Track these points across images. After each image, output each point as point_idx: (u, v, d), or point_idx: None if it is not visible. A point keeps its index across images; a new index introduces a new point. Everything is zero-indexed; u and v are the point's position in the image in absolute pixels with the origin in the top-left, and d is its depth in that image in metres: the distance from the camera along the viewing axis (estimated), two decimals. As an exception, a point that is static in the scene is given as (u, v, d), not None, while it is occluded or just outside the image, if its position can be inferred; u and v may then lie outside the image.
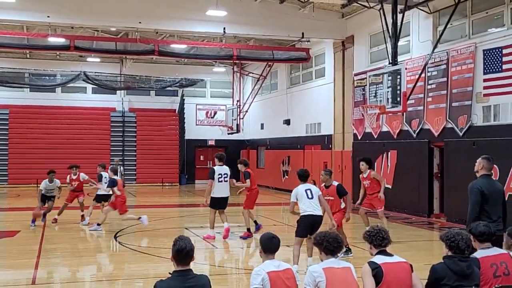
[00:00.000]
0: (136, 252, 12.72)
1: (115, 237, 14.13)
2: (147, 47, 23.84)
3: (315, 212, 10.07)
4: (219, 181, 13.63)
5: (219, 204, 13.89)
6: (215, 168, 13.79)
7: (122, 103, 34.06)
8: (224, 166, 13.92)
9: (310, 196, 10.13)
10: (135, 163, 32.89)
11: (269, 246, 5.50)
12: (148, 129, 33.53)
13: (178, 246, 4.92)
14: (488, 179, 7.78)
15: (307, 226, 10.04)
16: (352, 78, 22.48)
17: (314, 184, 17.20)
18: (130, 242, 13.72)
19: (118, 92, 33.66)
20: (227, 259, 12.58)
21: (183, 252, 4.89)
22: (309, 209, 10.02)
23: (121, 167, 20.99)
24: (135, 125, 33.81)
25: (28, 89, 32.43)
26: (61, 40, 22.97)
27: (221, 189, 13.70)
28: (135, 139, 33.55)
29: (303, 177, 10.42)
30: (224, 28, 22.08)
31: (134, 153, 32.74)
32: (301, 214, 10.15)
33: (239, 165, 14.74)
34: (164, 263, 10.75)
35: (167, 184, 32.93)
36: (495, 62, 15.45)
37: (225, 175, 13.72)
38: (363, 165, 13.40)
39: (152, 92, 34.60)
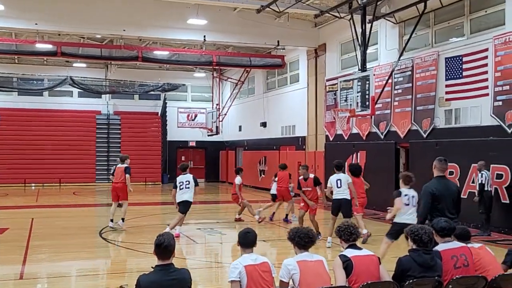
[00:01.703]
0: (121, 247, 12.65)
1: (100, 234, 14.01)
2: (131, 54, 23.68)
3: (341, 196, 12.17)
4: (180, 188, 13.78)
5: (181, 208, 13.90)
6: (178, 178, 14.05)
7: (107, 107, 33.79)
8: (187, 174, 13.97)
9: (339, 186, 12.19)
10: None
11: (245, 240, 5.50)
12: (132, 131, 33.31)
13: (157, 240, 4.93)
14: (441, 180, 7.68)
15: (335, 207, 12.24)
16: (324, 83, 22.59)
17: (290, 177, 17.30)
18: (115, 238, 13.63)
19: (103, 96, 33.35)
20: (207, 254, 12.56)
21: (161, 247, 4.88)
22: (337, 195, 12.17)
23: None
24: (119, 127, 33.56)
25: (17, 93, 32.01)
26: (48, 46, 22.71)
27: (181, 195, 13.79)
28: (119, 140, 33.30)
29: (337, 167, 12.50)
30: (204, 36, 22.04)
31: (119, 154, 32.42)
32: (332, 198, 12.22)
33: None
34: (147, 258, 10.68)
35: (150, 183, 32.74)
36: (456, 69, 15.65)
37: (187, 182, 13.77)
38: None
39: (136, 96, 34.40)
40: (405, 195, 8.94)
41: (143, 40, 23.97)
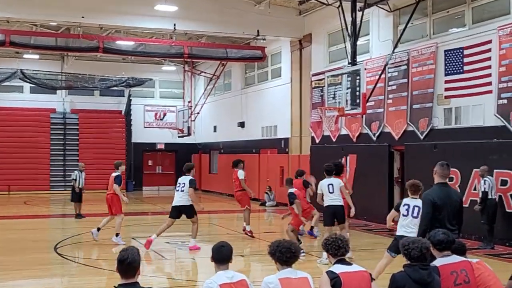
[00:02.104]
0: (79, 264, 12.57)
1: (55, 249, 13.91)
2: (91, 44, 23.55)
3: (335, 203, 12.38)
4: (176, 190, 14.24)
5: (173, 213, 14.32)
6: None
7: (63, 104, 33.54)
8: (186, 176, 14.17)
9: (331, 191, 12.40)
10: (77, 168, 32.32)
11: (219, 255, 5.49)
12: (91, 131, 33.09)
13: (119, 256, 4.89)
14: (442, 188, 7.75)
15: (329, 215, 12.41)
16: (310, 78, 22.69)
17: (270, 190, 17.51)
18: (72, 253, 13.54)
19: (58, 92, 33.11)
20: (177, 271, 12.54)
21: (124, 264, 4.85)
22: (330, 201, 12.37)
23: (83, 173, 20.70)
24: (77, 127, 33.34)
25: (-41, 88, 31.70)
26: (-5, 35, 22.50)
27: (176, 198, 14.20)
28: (77, 142, 33.08)
29: (328, 171, 12.67)
30: (175, 24, 22.00)
31: (77, 158, 32.20)
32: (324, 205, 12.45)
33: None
34: (109, 275, 10.65)
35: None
36: (456, 63, 15.83)
37: (183, 185, 14.00)
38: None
39: (96, 92, 34.20)
40: (404, 205, 9.15)
41: (104, 28, 23.85)
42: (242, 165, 16.42)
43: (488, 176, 13.84)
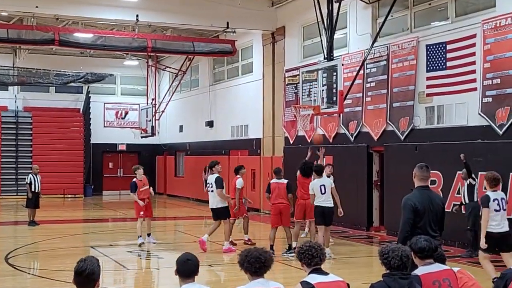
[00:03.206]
0: (32, 276, 12.44)
1: (6, 259, 13.75)
2: (46, 36, 23.31)
3: (327, 204, 13.45)
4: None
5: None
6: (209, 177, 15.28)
7: (16, 101, 33.15)
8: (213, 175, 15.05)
9: (323, 192, 13.41)
10: (30, 171, 32.02)
11: (184, 268, 5.38)
12: (47, 131, 32.75)
13: (77, 267, 4.82)
14: (423, 192, 7.79)
15: (320, 215, 13.44)
16: (283, 74, 22.72)
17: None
18: (25, 264, 13.39)
19: (10, 88, 32.73)
20: (140, 283, 12.47)
21: (82, 275, 4.79)
22: (322, 202, 13.41)
23: (38, 176, 20.42)
24: (31, 126, 32.97)
25: None
26: None
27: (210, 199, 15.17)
28: (31, 143, 32.70)
29: (318, 172, 13.68)
30: (137, 16, 21.87)
31: (30, 160, 31.82)
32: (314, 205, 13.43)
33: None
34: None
35: (69, 195, 32.23)
36: (439, 59, 15.98)
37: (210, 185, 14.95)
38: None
39: (52, 89, 33.86)
40: (494, 199, 10.35)
41: (60, 19, 23.64)
42: (244, 171, 16.15)
43: (469, 179, 13.94)
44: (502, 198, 10.34)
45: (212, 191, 14.77)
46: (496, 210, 10.21)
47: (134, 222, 17.31)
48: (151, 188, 16.71)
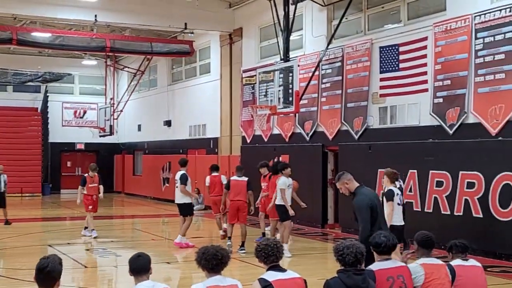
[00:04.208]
0: (-10, 274, 12.19)
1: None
2: (3, 35, 22.89)
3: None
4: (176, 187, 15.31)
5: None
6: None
7: (-27, 100, 32.52)
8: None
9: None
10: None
11: (135, 266, 5.39)
12: (4, 130, 32.14)
13: (39, 264, 4.78)
14: (368, 189, 8.05)
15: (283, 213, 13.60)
16: (241, 75, 22.70)
17: (198, 193, 17.49)
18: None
19: (-33, 87, 32.07)
20: (98, 280, 12.32)
21: (43, 272, 4.74)
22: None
23: (4, 175, 19.90)
24: (-12, 125, 32.34)
25: None
26: None
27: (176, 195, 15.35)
28: (-12, 142, 32.08)
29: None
30: (96, 16, 21.63)
31: (-13, 159, 31.27)
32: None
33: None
34: (22, 287, 10.37)
35: (27, 194, 31.71)
36: (392, 60, 16.13)
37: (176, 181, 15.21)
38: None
39: (10, 88, 33.29)
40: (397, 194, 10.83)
41: (18, 18, 23.20)
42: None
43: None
44: (398, 193, 10.88)
45: (177, 186, 15.04)
46: (398, 204, 10.71)
47: (94, 220, 17.16)
48: (101, 187, 17.27)
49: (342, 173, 8.13)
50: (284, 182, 13.63)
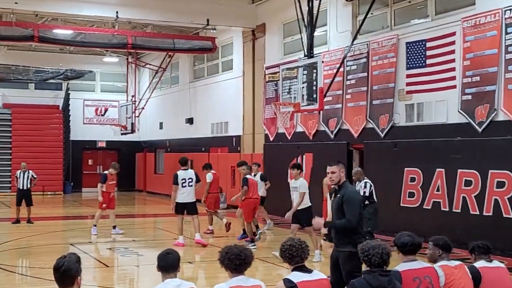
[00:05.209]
0: (11, 273, 12.30)
1: (-14, 256, 13.62)
2: (25, 32, 23.06)
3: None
4: (182, 186, 15.02)
5: (183, 209, 15.17)
6: (178, 172, 15.15)
7: (-5, 98, 32.89)
8: (189, 170, 15.35)
9: None
10: (10, 168, 31.72)
11: (165, 263, 5.42)
12: (26, 128, 32.46)
13: (55, 263, 4.78)
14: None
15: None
16: (264, 71, 22.68)
17: (220, 192, 17.63)
18: (4, 261, 13.24)
19: (-11, 84, 32.43)
20: (119, 280, 12.39)
21: (59, 271, 4.74)
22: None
23: (30, 172, 20.05)
24: (10, 123, 32.67)
25: None
26: None
27: (184, 194, 15.07)
28: (10, 140, 32.41)
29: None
30: (117, 12, 21.72)
31: (9, 157, 31.62)
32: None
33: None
34: (44, 285, 10.46)
35: (49, 192, 31.98)
36: (419, 56, 16.02)
37: (190, 180, 15.12)
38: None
39: (31, 85, 33.60)
40: None
41: (40, 15, 23.40)
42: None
43: (366, 179, 13.76)
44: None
45: (191, 185, 15.13)
46: None
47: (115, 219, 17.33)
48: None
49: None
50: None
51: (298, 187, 13.27)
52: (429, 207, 15.21)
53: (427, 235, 8.00)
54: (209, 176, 16.79)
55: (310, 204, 13.38)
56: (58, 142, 33.05)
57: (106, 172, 17.49)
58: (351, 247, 6.96)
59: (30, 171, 20.08)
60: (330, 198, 10.71)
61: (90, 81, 34.57)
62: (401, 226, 14.37)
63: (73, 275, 4.77)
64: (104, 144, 34.95)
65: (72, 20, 24.89)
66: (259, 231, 15.17)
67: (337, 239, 7.39)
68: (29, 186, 19.85)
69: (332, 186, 7.78)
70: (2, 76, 31.02)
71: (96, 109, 34.15)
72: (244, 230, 15.60)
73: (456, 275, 6.12)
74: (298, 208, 13.08)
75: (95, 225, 17.03)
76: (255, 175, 16.84)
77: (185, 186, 15.05)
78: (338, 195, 7.45)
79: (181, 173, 15.14)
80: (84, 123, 33.79)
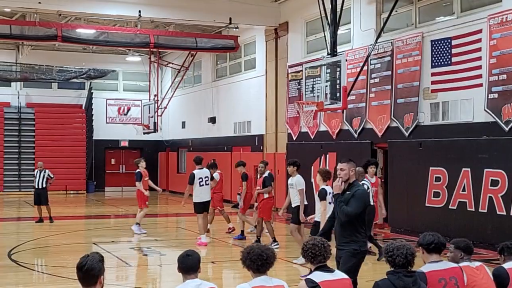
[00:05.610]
0: (35, 272, 12.42)
1: (9, 255, 13.73)
2: (48, 32, 23.27)
3: None
4: (200, 185, 15.30)
5: (203, 208, 15.44)
6: (195, 172, 15.42)
7: (18, 97, 33.10)
8: (204, 169, 15.70)
9: None
10: (33, 167, 32.00)
11: (185, 265, 5.42)
12: (49, 127, 32.73)
13: (78, 262, 4.82)
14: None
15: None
16: (286, 70, 22.66)
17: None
18: (27, 260, 13.37)
19: (13, 84, 32.67)
20: (142, 279, 12.44)
21: (81, 270, 4.78)
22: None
23: (46, 171, 20.18)
24: (33, 123, 32.93)
25: None
26: None
27: (203, 193, 15.36)
28: (33, 139, 32.68)
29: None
30: (140, 11, 21.81)
31: (33, 156, 31.88)
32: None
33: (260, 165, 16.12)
34: (67, 284, 10.53)
35: (72, 192, 32.26)
36: (444, 55, 15.89)
37: (206, 178, 15.46)
38: (372, 168, 13.91)
39: (55, 85, 33.83)
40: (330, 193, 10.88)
41: (63, 15, 23.58)
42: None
43: (365, 179, 13.48)
44: (330, 192, 11.08)
45: (208, 184, 15.48)
46: (329, 203, 10.96)
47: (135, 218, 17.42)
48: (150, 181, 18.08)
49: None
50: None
51: (294, 184, 13.27)
52: (455, 207, 15.09)
53: (452, 236, 7.96)
54: (216, 176, 16.84)
55: (305, 203, 13.27)
56: (81, 141, 33.27)
57: (139, 169, 17.43)
58: (354, 245, 7.36)
59: (47, 170, 20.16)
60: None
61: (113, 80, 34.74)
62: (426, 226, 14.32)
63: (96, 274, 4.80)
64: (126, 144, 35.12)
65: (95, 20, 25.07)
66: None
67: (340, 238, 7.65)
68: (45, 185, 19.96)
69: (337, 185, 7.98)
70: (26, 76, 31.23)
71: (119, 109, 34.34)
72: (242, 231, 16.00)
73: (478, 276, 6.07)
74: (292, 205, 13.29)
75: (139, 224, 17.23)
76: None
77: (202, 185, 15.31)
78: (347, 193, 7.73)
79: (197, 172, 15.41)
80: (106, 123, 33.99)
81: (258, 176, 15.84)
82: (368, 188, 12.86)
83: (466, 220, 14.60)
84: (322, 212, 10.97)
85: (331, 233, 8.37)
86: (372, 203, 13.09)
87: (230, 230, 17.01)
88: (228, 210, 18.22)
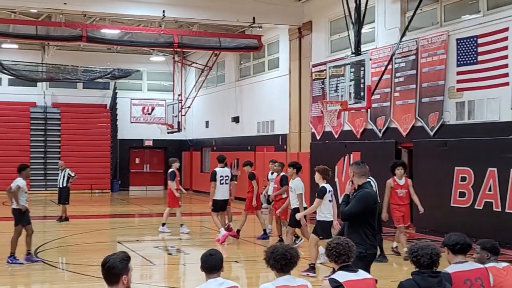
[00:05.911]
0: (61, 270, 12.51)
1: (36, 253, 13.85)
2: (74, 32, 23.42)
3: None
4: (220, 183, 15.51)
5: (221, 206, 15.75)
6: (217, 170, 15.69)
7: (44, 97, 33.41)
8: (226, 168, 16.02)
9: None
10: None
11: (207, 264, 5.45)
12: (74, 127, 32.98)
13: (103, 260, 4.88)
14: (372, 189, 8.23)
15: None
16: (310, 69, 22.61)
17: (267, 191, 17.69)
18: (54, 258, 13.48)
19: (39, 84, 32.98)
20: (166, 278, 12.49)
21: (104, 268, 4.84)
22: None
23: (66, 170, 20.35)
24: (59, 122, 33.22)
25: None
26: (-30, 23, 22.38)
27: (223, 191, 15.61)
28: (59, 138, 32.97)
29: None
30: (164, 11, 21.88)
31: (58, 155, 32.08)
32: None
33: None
34: (92, 282, 10.60)
35: (97, 191, 32.48)
36: (470, 53, 15.76)
37: (227, 177, 15.69)
38: (400, 170, 13.75)
39: (80, 85, 34.07)
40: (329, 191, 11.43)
41: (88, 16, 23.73)
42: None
43: (370, 178, 13.28)
44: (330, 190, 11.55)
45: (228, 183, 15.69)
46: (329, 201, 11.45)
47: (160, 217, 17.50)
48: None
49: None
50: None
51: (293, 188, 13.20)
52: (481, 208, 14.95)
53: (478, 236, 7.88)
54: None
55: (304, 206, 13.18)
56: (105, 141, 33.51)
57: (172, 169, 17.63)
58: (361, 248, 7.14)
59: (67, 169, 20.34)
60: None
61: (137, 80, 34.91)
62: (451, 226, 14.18)
63: (117, 272, 4.84)
64: (151, 143, 35.28)
65: (119, 20, 25.19)
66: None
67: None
68: (65, 184, 20.13)
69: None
70: (52, 76, 31.47)
71: (143, 108, 34.50)
72: (264, 230, 16.01)
73: (505, 277, 6.01)
74: (292, 207, 13.24)
75: (183, 224, 17.49)
76: (272, 173, 16.89)
77: (223, 184, 15.55)
78: (354, 194, 7.78)
79: (219, 170, 15.63)
80: (131, 122, 34.16)
81: (270, 174, 16.31)
82: (374, 185, 12.75)
83: (492, 220, 14.45)
84: (314, 208, 11.55)
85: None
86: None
87: (227, 226, 16.78)
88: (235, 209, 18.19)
